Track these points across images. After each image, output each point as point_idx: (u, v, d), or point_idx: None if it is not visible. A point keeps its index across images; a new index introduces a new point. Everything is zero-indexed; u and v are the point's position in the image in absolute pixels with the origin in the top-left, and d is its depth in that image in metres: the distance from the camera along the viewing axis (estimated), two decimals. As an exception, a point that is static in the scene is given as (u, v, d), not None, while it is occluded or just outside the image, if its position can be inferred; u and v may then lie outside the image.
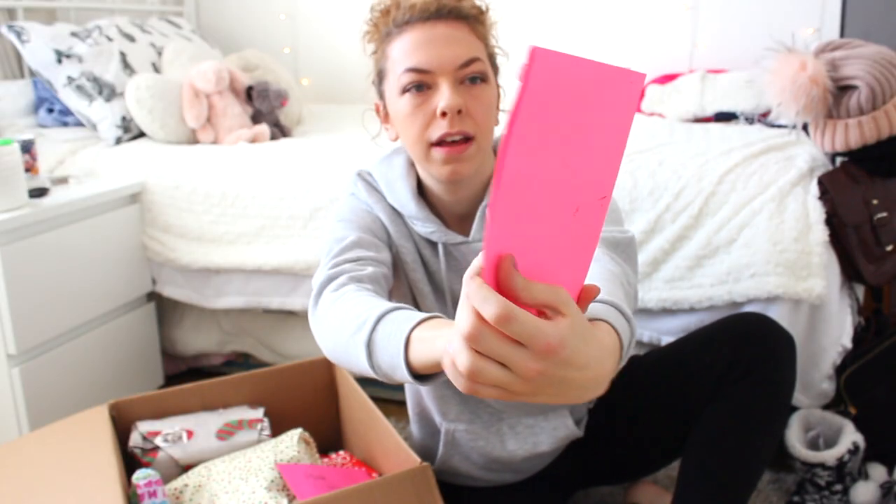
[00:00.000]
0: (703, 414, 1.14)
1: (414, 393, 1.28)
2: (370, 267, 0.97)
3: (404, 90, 0.98)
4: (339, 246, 1.00)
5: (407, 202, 1.09)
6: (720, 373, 1.12)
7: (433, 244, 1.12)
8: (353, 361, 0.81)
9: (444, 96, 0.95)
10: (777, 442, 1.16)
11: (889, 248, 1.48)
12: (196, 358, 2.10)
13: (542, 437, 1.22)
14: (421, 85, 0.97)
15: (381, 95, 1.06)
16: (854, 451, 1.41)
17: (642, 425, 1.24)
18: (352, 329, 0.80)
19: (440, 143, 0.98)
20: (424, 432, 1.29)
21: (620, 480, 1.36)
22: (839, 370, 1.50)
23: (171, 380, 2.03)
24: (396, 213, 1.12)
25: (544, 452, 1.23)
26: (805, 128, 1.60)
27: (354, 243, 1.02)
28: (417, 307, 1.11)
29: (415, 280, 1.12)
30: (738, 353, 1.11)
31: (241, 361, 2.08)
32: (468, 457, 1.24)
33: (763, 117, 2.02)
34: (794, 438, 1.45)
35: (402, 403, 1.39)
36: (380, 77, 1.05)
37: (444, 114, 0.96)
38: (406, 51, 0.98)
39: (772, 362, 1.10)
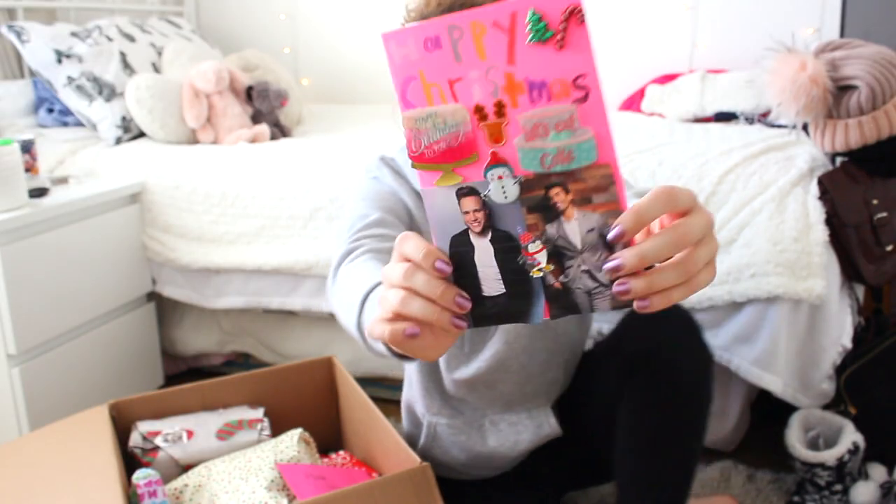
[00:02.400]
0: (617, 415, 1.13)
1: (406, 386, 1.31)
2: (390, 243, 0.97)
3: None
4: (362, 222, 1.01)
5: None
6: (619, 368, 1.12)
7: None
8: (360, 343, 0.81)
9: None
10: (701, 426, 1.10)
11: (889, 248, 1.48)
12: (196, 358, 2.10)
13: (524, 435, 1.23)
14: None
15: None
16: (854, 451, 1.41)
17: (587, 426, 1.25)
18: (350, 310, 0.81)
19: None
20: (409, 423, 1.33)
21: (601, 480, 1.36)
22: (839, 370, 1.50)
23: (171, 380, 2.03)
24: (417, 195, 1.12)
25: (525, 450, 1.24)
26: (805, 128, 1.60)
27: (378, 221, 1.03)
28: None
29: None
30: (633, 346, 1.11)
31: (241, 361, 2.08)
32: (448, 451, 1.26)
33: (763, 117, 2.02)
34: (794, 438, 1.45)
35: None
36: None
37: None
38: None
39: (667, 350, 1.08)
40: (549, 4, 0.50)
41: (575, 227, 0.54)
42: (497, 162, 0.54)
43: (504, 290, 0.56)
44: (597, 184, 0.53)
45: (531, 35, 0.51)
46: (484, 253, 0.56)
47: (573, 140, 0.52)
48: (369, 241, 0.97)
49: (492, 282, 0.56)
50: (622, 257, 0.52)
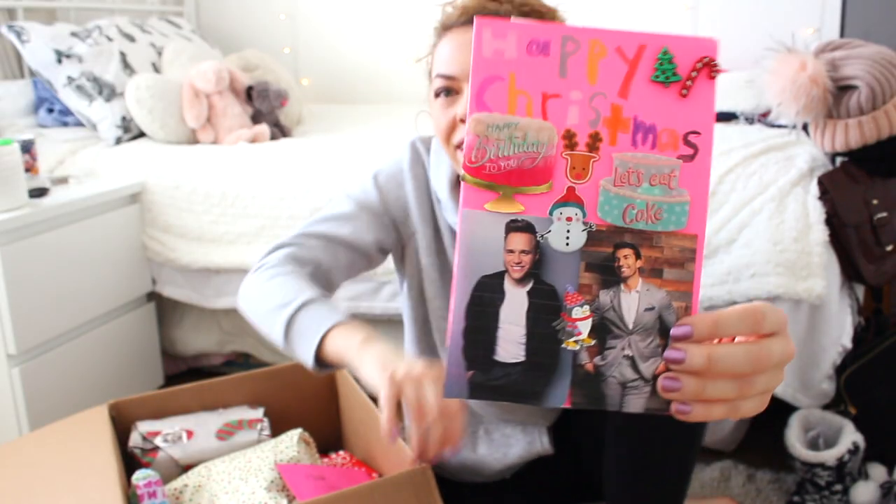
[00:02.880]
0: (608, 417, 1.11)
1: None
2: (328, 253, 1.08)
3: (436, 94, 0.99)
4: (320, 216, 1.11)
5: (442, 189, 1.09)
6: None
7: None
8: (266, 329, 0.95)
9: (462, 103, 0.96)
10: (695, 434, 1.08)
11: (889, 248, 1.48)
12: (196, 358, 2.10)
13: (514, 449, 1.22)
14: (449, 90, 0.97)
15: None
16: (854, 451, 1.41)
17: (580, 442, 1.24)
18: (277, 303, 0.94)
19: (461, 145, 0.99)
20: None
21: (597, 499, 1.36)
22: (839, 370, 1.50)
23: (171, 380, 2.03)
24: (426, 196, 1.12)
25: (513, 464, 1.23)
26: (805, 128, 1.60)
27: (339, 216, 1.10)
28: (422, 289, 1.15)
29: (426, 265, 1.13)
30: None
31: (241, 361, 2.08)
32: None
33: (763, 117, 2.02)
34: (794, 438, 1.45)
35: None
36: (430, 77, 1.05)
37: (462, 120, 0.97)
38: (442, 55, 0.98)
39: None
40: (685, 48, 0.46)
41: (634, 301, 0.47)
42: (572, 200, 0.46)
43: (523, 358, 0.47)
44: (674, 256, 0.47)
45: (656, 73, 0.46)
46: (515, 306, 0.47)
47: (667, 198, 0.46)
48: (311, 241, 1.09)
49: (512, 345, 0.47)
50: (689, 352, 0.45)
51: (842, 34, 2.21)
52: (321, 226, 1.10)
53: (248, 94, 2.17)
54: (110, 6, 2.56)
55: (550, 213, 0.46)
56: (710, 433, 1.60)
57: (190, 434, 1.36)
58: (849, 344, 1.48)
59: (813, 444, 1.48)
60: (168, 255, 1.84)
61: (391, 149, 1.18)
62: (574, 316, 0.47)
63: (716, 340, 0.47)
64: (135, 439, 1.34)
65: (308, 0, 2.84)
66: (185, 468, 1.31)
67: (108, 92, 2.06)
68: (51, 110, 2.19)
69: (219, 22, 2.93)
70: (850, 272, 1.49)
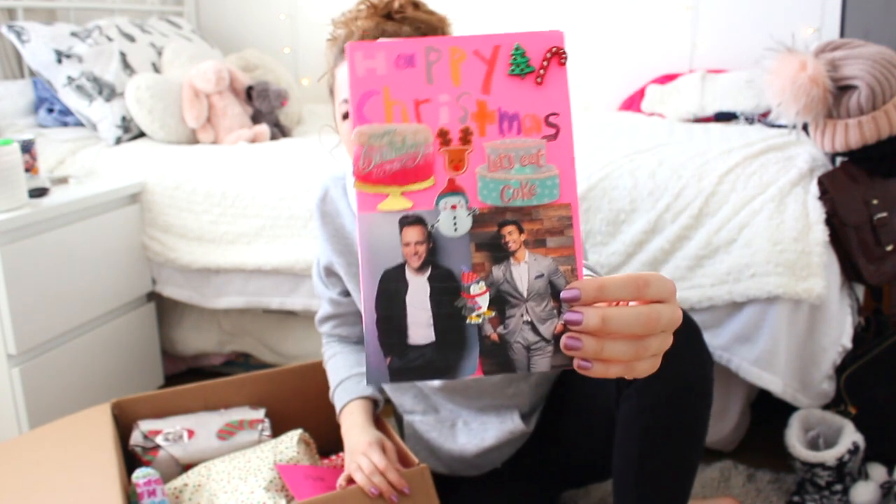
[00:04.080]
0: (616, 418, 1.12)
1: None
2: (349, 321, 1.34)
3: (344, 116, 1.03)
4: (321, 309, 1.36)
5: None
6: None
7: None
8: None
9: None
10: (702, 430, 1.10)
11: (889, 248, 1.48)
12: (196, 358, 2.10)
13: (490, 433, 1.25)
14: None
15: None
16: (854, 451, 1.41)
17: (579, 427, 1.26)
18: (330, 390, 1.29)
19: None
20: (396, 421, 1.41)
21: (600, 478, 1.37)
22: (839, 370, 1.50)
23: (170, 380, 2.03)
24: (334, 226, 1.24)
25: (492, 447, 1.26)
26: (805, 128, 1.60)
27: (332, 302, 1.32)
28: None
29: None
30: None
31: (241, 361, 2.08)
32: (426, 447, 1.31)
33: (763, 117, 2.02)
34: (794, 438, 1.45)
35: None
36: (331, 93, 1.10)
37: None
38: (344, 79, 1.02)
39: (666, 353, 1.07)
40: (533, 42, 0.51)
41: (524, 271, 0.51)
42: (454, 190, 0.51)
43: (433, 339, 0.51)
44: (553, 225, 0.52)
45: (512, 68, 0.51)
46: (418, 292, 0.51)
47: (537, 175, 0.52)
48: (336, 330, 1.35)
49: (421, 328, 0.51)
50: (585, 314, 0.49)
51: (842, 34, 2.21)
52: (328, 322, 1.36)
53: (248, 94, 2.17)
54: (110, 6, 2.56)
55: (437, 205, 0.51)
56: (711, 433, 1.60)
57: (191, 433, 1.36)
58: (849, 344, 1.48)
59: (813, 444, 1.48)
60: (168, 255, 1.84)
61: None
62: (472, 293, 0.52)
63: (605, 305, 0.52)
64: (136, 438, 1.34)
65: (308, 0, 2.84)
66: (186, 467, 1.31)
67: (108, 92, 2.06)
68: (51, 110, 2.19)
69: (219, 22, 2.93)
70: (850, 272, 1.49)
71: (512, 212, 0.52)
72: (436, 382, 1.22)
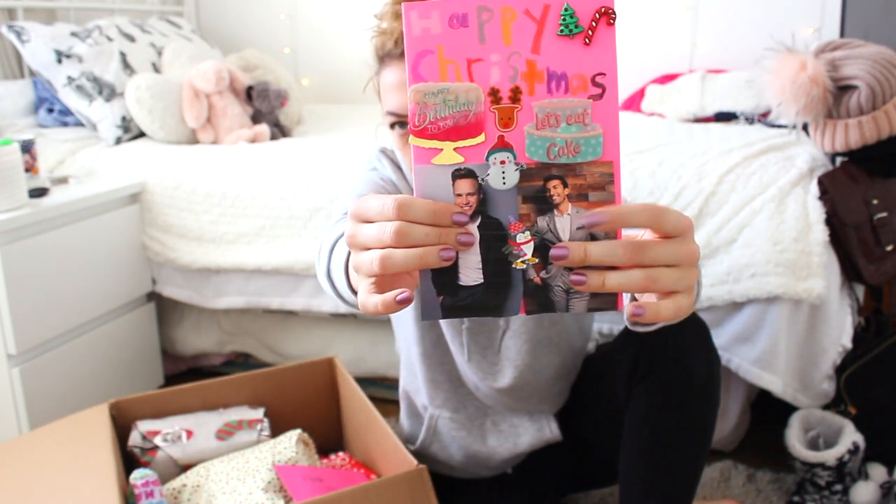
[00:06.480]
0: (624, 418, 1.12)
1: (405, 375, 1.31)
2: None
3: (391, 125, 1.00)
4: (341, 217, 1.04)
5: None
6: (627, 372, 1.11)
7: None
8: (330, 294, 0.84)
9: None
10: (708, 429, 1.10)
11: (889, 248, 1.48)
12: (196, 358, 2.10)
13: (523, 438, 1.23)
14: (403, 123, 0.97)
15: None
16: (854, 451, 1.41)
17: (589, 429, 1.25)
18: (320, 263, 0.84)
19: None
20: (408, 415, 1.33)
21: (603, 484, 1.36)
22: (839, 370, 1.50)
23: (170, 380, 2.03)
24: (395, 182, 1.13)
25: (524, 453, 1.24)
26: (805, 128, 1.60)
27: None
28: None
29: None
30: (640, 348, 1.10)
31: (241, 361, 2.08)
32: (447, 447, 1.26)
33: (763, 117, 2.01)
34: (794, 438, 1.45)
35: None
36: (379, 97, 1.05)
37: None
38: (385, 89, 0.98)
39: (675, 352, 1.07)
40: (584, 2, 0.53)
41: (566, 222, 0.55)
42: (503, 146, 0.54)
43: (482, 281, 0.55)
44: (596, 181, 0.54)
45: (561, 28, 0.53)
46: None
47: (582, 134, 0.54)
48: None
49: (471, 270, 0.55)
50: (569, 248, 0.53)
51: (842, 34, 2.20)
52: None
53: (248, 94, 2.17)
54: (110, 6, 2.56)
55: (487, 159, 0.55)
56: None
57: (189, 434, 1.36)
58: (849, 344, 1.48)
59: (813, 444, 1.48)
60: (168, 255, 1.84)
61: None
62: (518, 241, 0.55)
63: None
64: (134, 438, 1.34)
65: (308, 0, 2.84)
66: (185, 468, 1.31)
67: (108, 92, 2.06)
68: (51, 110, 2.19)
69: (219, 22, 2.93)
70: (850, 272, 1.49)
71: (557, 167, 0.54)
72: (490, 381, 1.19)
